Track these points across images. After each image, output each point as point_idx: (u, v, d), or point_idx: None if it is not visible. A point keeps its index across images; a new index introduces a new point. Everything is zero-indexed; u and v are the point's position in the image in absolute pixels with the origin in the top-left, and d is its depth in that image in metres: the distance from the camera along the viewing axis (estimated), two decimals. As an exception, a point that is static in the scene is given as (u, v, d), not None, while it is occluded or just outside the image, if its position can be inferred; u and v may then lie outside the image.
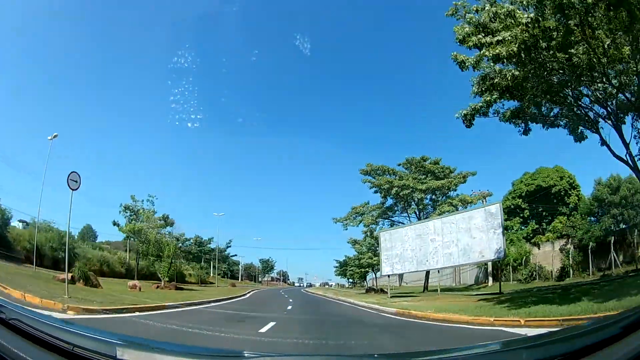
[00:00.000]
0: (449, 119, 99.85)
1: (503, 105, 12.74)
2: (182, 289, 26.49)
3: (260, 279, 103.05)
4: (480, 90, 11.18)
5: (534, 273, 27.55)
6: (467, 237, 19.47)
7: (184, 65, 20.47)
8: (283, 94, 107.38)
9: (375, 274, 51.90)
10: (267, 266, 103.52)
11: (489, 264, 29.81)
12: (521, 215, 37.27)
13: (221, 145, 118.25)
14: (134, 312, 10.22)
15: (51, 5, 71.03)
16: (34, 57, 75.66)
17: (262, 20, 75.78)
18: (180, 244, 53.24)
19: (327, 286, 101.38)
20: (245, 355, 2.07)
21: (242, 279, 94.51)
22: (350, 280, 79.69)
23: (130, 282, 19.73)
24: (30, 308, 2.64)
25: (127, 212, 32.66)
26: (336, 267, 76.83)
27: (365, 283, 65.52)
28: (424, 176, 31.62)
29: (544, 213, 36.73)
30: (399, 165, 32.96)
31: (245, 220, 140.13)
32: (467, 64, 9.84)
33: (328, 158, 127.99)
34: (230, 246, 62.53)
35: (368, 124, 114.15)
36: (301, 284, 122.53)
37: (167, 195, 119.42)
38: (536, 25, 8.67)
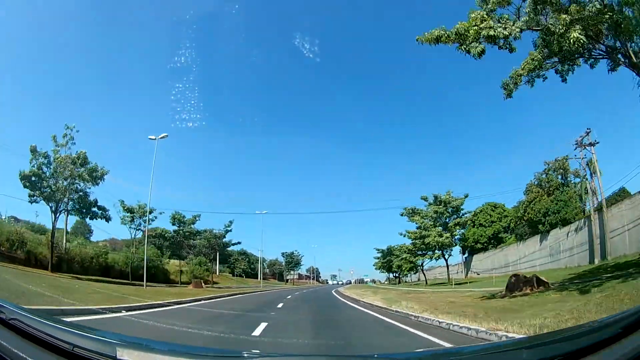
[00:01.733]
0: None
1: None
2: None
3: (286, 277, 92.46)
4: None
5: None
6: None
7: (184, 65, 20.35)
8: (283, 93, 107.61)
9: (447, 259, 37.36)
10: (292, 261, 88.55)
11: None
12: None
13: (221, 145, 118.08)
14: None
15: (51, 4, 71.02)
16: (31, 55, 75.66)
17: (263, 21, 75.81)
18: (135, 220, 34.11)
19: (362, 283, 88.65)
20: (245, 355, 2.07)
21: (263, 278, 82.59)
22: (396, 274, 65.46)
23: None
24: (30, 308, 2.63)
25: (37, 159, 22.66)
26: (377, 258, 64.15)
27: (421, 275, 51.64)
28: None
29: None
30: None
31: (256, 220, 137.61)
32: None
33: (328, 158, 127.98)
34: (230, 230, 43.28)
35: (369, 124, 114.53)
36: (338, 281, 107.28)
37: (168, 197, 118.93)
38: None
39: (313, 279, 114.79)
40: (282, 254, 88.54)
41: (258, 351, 3.49)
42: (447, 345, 5.74)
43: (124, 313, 10.15)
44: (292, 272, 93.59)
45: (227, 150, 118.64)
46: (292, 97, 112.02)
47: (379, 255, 64.44)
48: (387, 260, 59.93)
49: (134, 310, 10.98)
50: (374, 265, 72.41)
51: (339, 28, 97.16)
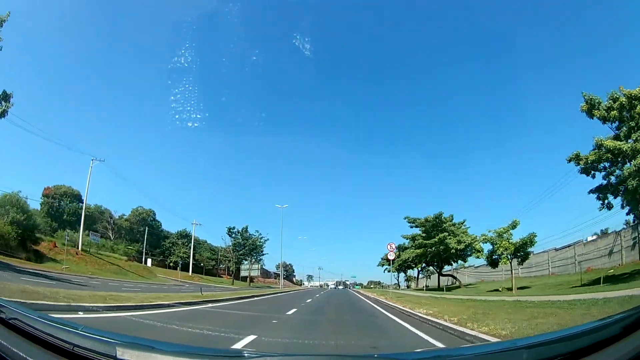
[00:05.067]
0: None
1: None
2: None
3: (218, 270, 60.50)
4: None
5: None
6: None
7: (184, 65, 20.31)
8: (283, 93, 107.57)
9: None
10: (245, 244, 53.45)
11: None
12: None
13: (221, 145, 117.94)
14: None
15: (51, 4, 70.95)
16: (31, 55, 75.59)
17: (263, 20, 75.65)
18: None
19: (344, 287, 73.45)
20: (245, 355, 2.06)
21: (213, 274, 63.25)
22: (429, 269, 45.51)
23: None
24: (30, 308, 2.62)
25: None
26: (410, 240, 40.48)
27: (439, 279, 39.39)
28: None
29: None
30: None
31: (247, 220, 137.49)
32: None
33: (328, 158, 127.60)
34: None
35: (369, 124, 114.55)
36: (340, 285, 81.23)
37: (168, 197, 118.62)
38: None
39: (287, 278, 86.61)
40: (229, 231, 51.76)
41: (258, 350, 3.49)
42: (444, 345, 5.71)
43: None
44: (248, 262, 54.72)
45: (226, 150, 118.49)
46: (292, 96, 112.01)
47: (418, 231, 37.75)
48: (439, 241, 33.32)
49: None
50: (380, 261, 53.96)
51: (339, 29, 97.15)
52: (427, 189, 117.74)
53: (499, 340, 5.48)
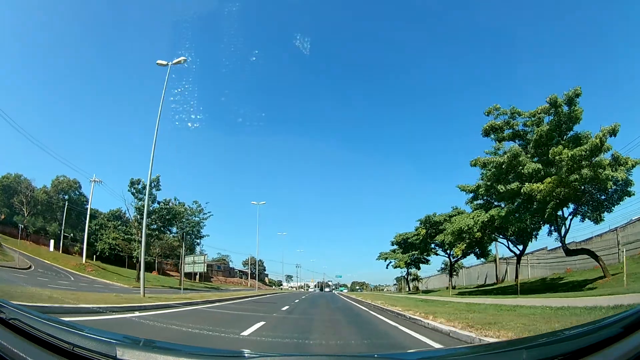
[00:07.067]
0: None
1: None
2: None
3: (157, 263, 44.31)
4: None
5: None
6: None
7: (183, 65, 20.39)
8: (283, 93, 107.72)
9: None
10: (157, 212, 32.28)
11: None
12: None
13: (221, 145, 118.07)
14: None
15: (51, 4, 71.00)
16: (32, 55, 75.59)
17: (262, 21, 75.72)
18: None
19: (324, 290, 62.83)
20: (246, 355, 2.05)
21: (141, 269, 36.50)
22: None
23: None
24: (30, 308, 2.61)
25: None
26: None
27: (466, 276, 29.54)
28: None
29: None
30: None
31: (243, 221, 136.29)
32: None
33: (327, 158, 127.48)
34: None
35: (368, 124, 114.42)
36: (315, 286, 71.31)
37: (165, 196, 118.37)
38: None
39: (254, 277, 66.26)
40: (131, 185, 31.32)
41: (259, 351, 3.48)
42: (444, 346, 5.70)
43: None
44: (186, 249, 35.24)
45: (225, 149, 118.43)
46: (292, 96, 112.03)
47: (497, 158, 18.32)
48: (576, 166, 14.86)
49: None
50: (380, 254, 41.76)
51: (340, 29, 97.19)
52: (423, 188, 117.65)
53: (499, 340, 5.46)
